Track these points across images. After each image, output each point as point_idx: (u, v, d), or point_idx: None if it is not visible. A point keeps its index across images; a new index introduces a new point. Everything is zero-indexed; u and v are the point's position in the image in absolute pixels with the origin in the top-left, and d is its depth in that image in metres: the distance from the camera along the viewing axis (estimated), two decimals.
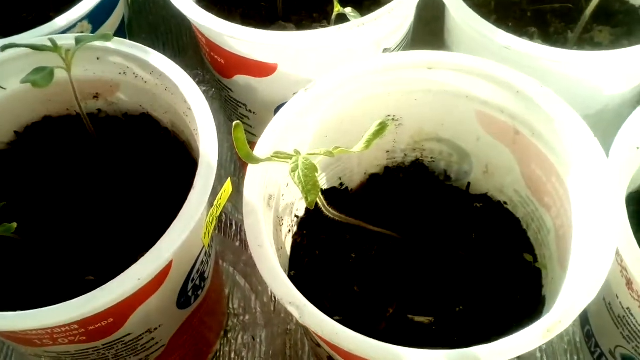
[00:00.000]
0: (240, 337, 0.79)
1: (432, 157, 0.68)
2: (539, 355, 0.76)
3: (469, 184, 0.68)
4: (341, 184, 0.68)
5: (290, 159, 0.49)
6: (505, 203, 0.66)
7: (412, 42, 0.77)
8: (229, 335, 0.79)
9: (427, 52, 0.60)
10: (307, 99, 0.57)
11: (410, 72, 0.60)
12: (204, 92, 0.96)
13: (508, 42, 0.63)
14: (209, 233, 0.62)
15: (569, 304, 0.48)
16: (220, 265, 0.79)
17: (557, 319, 0.48)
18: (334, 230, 0.64)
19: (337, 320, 0.59)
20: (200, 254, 0.60)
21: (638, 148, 0.59)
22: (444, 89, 0.61)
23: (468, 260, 0.63)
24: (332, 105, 0.60)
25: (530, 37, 0.76)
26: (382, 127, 0.52)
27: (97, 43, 0.61)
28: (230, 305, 0.80)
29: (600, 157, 0.53)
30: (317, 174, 0.49)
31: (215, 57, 0.69)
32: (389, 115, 0.63)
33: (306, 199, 0.47)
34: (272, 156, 0.50)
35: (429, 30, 0.86)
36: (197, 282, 0.62)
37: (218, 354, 0.77)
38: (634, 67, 0.67)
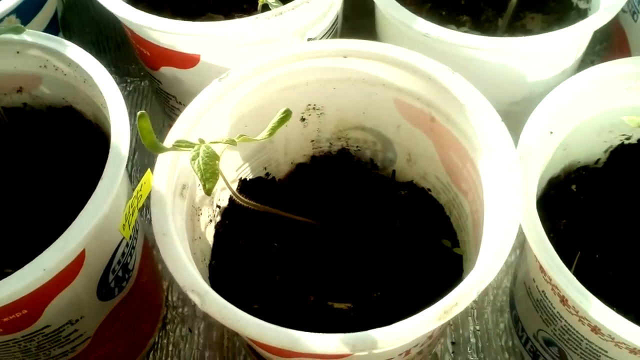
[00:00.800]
0: (178, 329, 0.79)
1: (357, 146, 0.68)
2: (473, 340, 0.77)
3: (393, 171, 0.68)
4: (267, 174, 0.68)
5: (193, 147, 0.50)
6: (429, 190, 0.67)
7: (348, 34, 0.77)
8: (167, 328, 0.79)
9: (341, 40, 0.60)
10: (220, 88, 0.58)
11: (326, 61, 0.60)
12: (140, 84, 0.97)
13: (426, 30, 0.63)
14: (129, 224, 0.62)
15: (467, 286, 0.48)
16: (156, 258, 0.79)
17: (454, 301, 0.48)
18: (257, 219, 0.64)
19: (255, 309, 0.60)
20: (120, 245, 0.61)
21: (551, 132, 0.59)
22: (361, 78, 0.61)
23: (390, 247, 0.63)
24: (249, 94, 0.60)
25: (462, 26, 0.77)
26: (286, 115, 0.52)
27: (15, 37, 0.61)
28: (170, 298, 0.80)
29: (507, 142, 0.54)
30: (218, 162, 0.49)
31: (141, 49, 0.69)
32: (309, 105, 0.64)
33: (204, 186, 0.48)
34: (174, 145, 0.50)
35: (362, 24, 0.86)
36: (120, 274, 0.63)
37: (156, 346, 0.78)
38: (556, 53, 0.67)
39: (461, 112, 0.56)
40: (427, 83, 0.58)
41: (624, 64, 0.60)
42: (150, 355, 0.77)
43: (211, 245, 0.63)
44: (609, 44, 0.89)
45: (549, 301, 0.58)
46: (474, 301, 0.79)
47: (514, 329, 0.71)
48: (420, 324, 0.47)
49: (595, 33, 0.67)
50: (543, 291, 0.59)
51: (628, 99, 0.61)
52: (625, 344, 0.53)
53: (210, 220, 0.63)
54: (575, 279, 0.51)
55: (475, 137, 0.56)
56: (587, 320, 0.53)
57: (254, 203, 0.57)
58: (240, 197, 0.56)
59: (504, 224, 0.50)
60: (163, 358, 0.77)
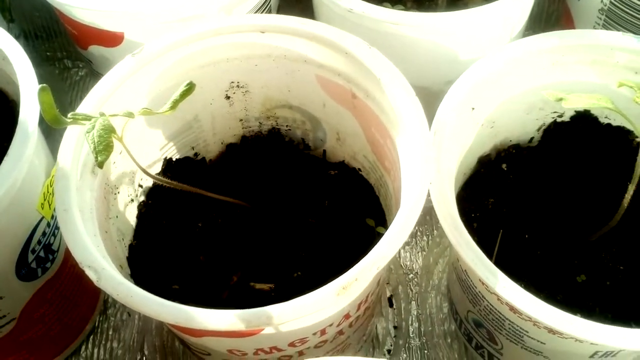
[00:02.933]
0: (119, 313, 0.78)
1: (287, 126, 0.67)
2: (416, 324, 0.75)
3: (324, 151, 0.67)
4: (196, 154, 0.67)
5: (90, 120, 0.49)
6: (360, 170, 0.66)
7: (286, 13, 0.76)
8: (108, 312, 0.78)
9: (258, 15, 0.59)
10: (133, 63, 0.57)
11: (244, 37, 0.59)
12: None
13: (350, 5, 0.62)
14: (49, 204, 0.61)
15: (368, 262, 0.47)
16: None
17: (354, 277, 0.47)
18: (182, 200, 0.63)
19: (174, 290, 0.59)
20: (39, 224, 0.60)
21: (473, 108, 0.58)
22: (282, 54, 0.60)
23: (316, 227, 0.62)
24: (168, 70, 0.59)
25: (404, 4, 0.76)
26: (189, 88, 0.51)
27: None
28: None
29: (419, 116, 0.52)
30: (114, 135, 0.48)
31: (70, 28, 0.68)
32: (233, 82, 0.63)
33: (96, 158, 0.47)
34: (71, 117, 0.49)
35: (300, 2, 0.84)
36: (42, 254, 0.62)
37: (96, 330, 0.77)
38: (485, 30, 0.66)
39: (378, 87, 0.55)
40: (346, 58, 0.57)
41: (550, 37, 0.59)
42: (90, 339, 0.77)
43: (133, 225, 0.62)
44: (560, 27, 0.87)
45: (471, 281, 0.57)
46: (417, 285, 0.79)
47: (450, 312, 0.70)
48: (317, 300, 0.46)
49: (546, 13, 0.65)
50: (465, 271, 0.58)
51: (555, 75, 0.60)
52: (543, 324, 0.52)
53: (132, 200, 0.62)
54: (483, 254, 0.50)
55: (392, 111, 0.55)
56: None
57: (171, 181, 0.57)
58: (151, 174, 0.55)
59: (410, 199, 0.49)
60: (103, 342, 0.77)
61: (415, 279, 0.79)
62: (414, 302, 0.78)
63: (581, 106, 0.57)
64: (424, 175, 0.50)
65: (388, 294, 0.77)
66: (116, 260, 0.54)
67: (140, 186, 0.63)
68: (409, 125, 0.52)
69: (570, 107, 0.53)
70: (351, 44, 0.56)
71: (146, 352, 0.74)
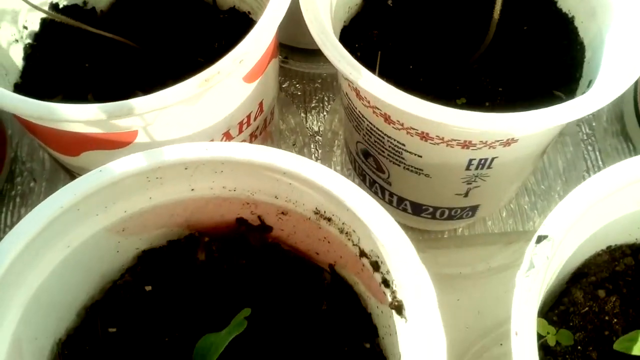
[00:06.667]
0: (26, 182, 0.78)
1: None
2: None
3: None
4: (85, 2, 0.67)
5: None
6: (249, 12, 0.66)
7: None
8: (15, 181, 0.78)
9: None
10: None
11: None
12: None
13: None
14: None
15: (231, 56, 0.48)
16: None
17: (216, 70, 0.48)
18: (68, 42, 0.63)
19: None
20: None
21: None
22: None
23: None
24: None
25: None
26: None
27: None
28: (18, 153, 0.80)
29: None
30: None
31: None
32: None
33: None
34: None
35: None
36: None
37: (3, 199, 0.77)
38: None
39: None
40: None
41: None
42: None
43: (19, 66, 0.62)
44: None
45: (352, 102, 0.58)
46: (322, 146, 0.80)
47: (349, 159, 0.71)
48: (181, 90, 0.47)
49: None
50: (346, 93, 0.59)
51: None
52: (413, 129, 0.54)
53: (17, 40, 0.61)
54: (347, 53, 0.51)
55: None
56: (370, 102, 0.53)
57: (62, 16, 0.56)
58: (42, 8, 0.54)
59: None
60: (11, 208, 0.77)
61: (320, 141, 0.81)
62: (319, 161, 0.79)
63: None
64: None
65: None
66: None
67: (25, 27, 0.62)
68: None
69: None
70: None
71: None
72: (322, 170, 0.45)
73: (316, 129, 0.81)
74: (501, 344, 0.67)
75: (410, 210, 0.66)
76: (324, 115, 0.82)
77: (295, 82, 0.84)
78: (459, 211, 0.65)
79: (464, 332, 0.67)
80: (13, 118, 0.77)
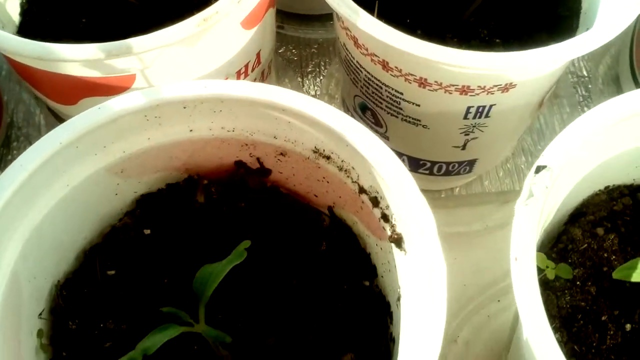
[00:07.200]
0: (22, 147, 0.78)
1: None
2: None
3: None
4: None
5: None
6: None
7: None
8: (12, 146, 0.78)
9: None
10: None
11: None
12: None
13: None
14: None
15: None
16: None
17: (215, 10, 0.48)
18: None
19: None
20: None
21: None
22: None
23: None
24: None
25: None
26: None
27: None
28: (14, 119, 0.79)
29: None
30: None
31: None
32: None
33: None
34: None
35: None
36: None
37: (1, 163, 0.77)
38: None
39: None
40: None
41: None
42: None
43: (15, 21, 0.62)
44: None
45: (349, 52, 0.58)
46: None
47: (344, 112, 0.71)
48: (180, 29, 0.47)
49: None
50: (344, 44, 0.59)
51: None
52: (412, 74, 0.54)
53: None
54: None
55: None
56: (368, 49, 0.53)
57: None
58: None
59: None
60: None
61: None
62: None
63: None
64: None
65: None
66: None
67: None
68: None
69: None
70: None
71: None
72: (321, 106, 0.45)
73: (313, 93, 0.81)
74: (499, 300, 0.67)
75: (408, 166, 0.66)
76: (321, 80, 0.82)
77: (291, 48, 0.84)
78: (456, 166, 0.65)
79: (461, 290, 0.68)
80: (9, 82, 0.78)
